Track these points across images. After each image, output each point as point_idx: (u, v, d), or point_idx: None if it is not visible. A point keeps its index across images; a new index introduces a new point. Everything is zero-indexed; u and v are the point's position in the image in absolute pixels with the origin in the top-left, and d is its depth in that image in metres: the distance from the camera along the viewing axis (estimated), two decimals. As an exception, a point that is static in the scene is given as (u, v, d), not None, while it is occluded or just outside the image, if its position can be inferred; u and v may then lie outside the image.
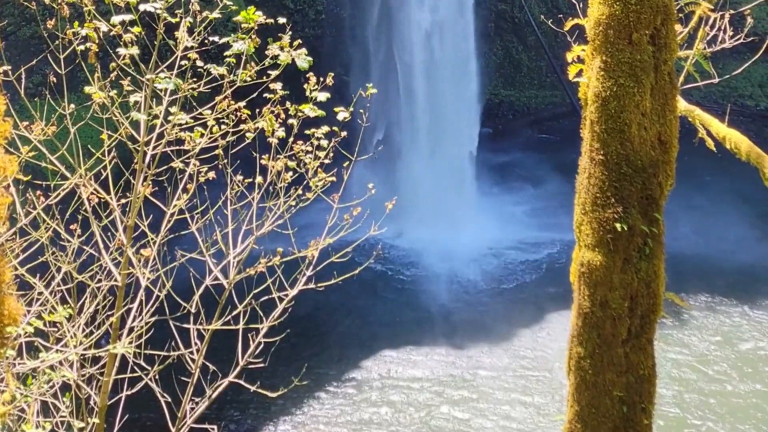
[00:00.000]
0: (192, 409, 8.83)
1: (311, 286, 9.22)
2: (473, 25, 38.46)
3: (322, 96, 8.67)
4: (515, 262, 34.03)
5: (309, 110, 8.68)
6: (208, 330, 8.79)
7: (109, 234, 8.71)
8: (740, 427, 24.11)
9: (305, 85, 8.69)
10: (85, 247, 8.87)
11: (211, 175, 9.10)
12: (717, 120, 8.40)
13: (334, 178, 9.29)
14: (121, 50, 8.05)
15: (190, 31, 8.40)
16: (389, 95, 36.25)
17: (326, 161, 9.18)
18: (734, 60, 32.05)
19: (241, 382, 9.13)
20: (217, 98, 8.62)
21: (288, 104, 8.76)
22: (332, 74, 8.95)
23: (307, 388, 24.36)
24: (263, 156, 9.17)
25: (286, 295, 9.07)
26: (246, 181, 9.28)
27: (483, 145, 39.38)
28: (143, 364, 8.72)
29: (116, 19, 7.87)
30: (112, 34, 7.99)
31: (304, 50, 8.49)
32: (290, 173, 9.14)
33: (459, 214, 35.86)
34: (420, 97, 37.70)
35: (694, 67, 8.59)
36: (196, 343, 8.84)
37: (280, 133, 8.96)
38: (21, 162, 7.50)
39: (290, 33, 8.47)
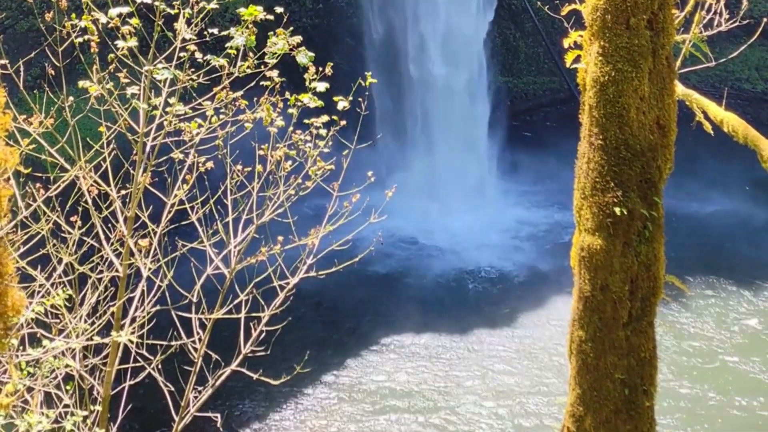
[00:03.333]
0: (195, 397, 8.88)
1: (312, 274, 9.25)
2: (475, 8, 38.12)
3: (321, 86, 8.68)
4: (518, 246, 34.06)
5: (308, 100, 8.70)
6: (210, 319, 8.83)
7: (109, 225, 8.74)
8: (742, 410, 24.18)
9: (305, 75, 8.70)
10: (86, 239, 8.90)
11: (210, 165, 9.12)
12: (714, 103, 8.42)
13: (333, 167, 9.31)
14: (120, 43, 8.06)
15: (188, 22, 8.41)
16: (390, 86, 35.99)
17: (326, 150, 9.20)
18: (730, 44, 31.99)
19: (244, 370, 9.18)
20: (216, 89, 8.64)
21: (287, 94, 8.77)
22: (331, 64, 8.95)
23: (310, 375, 24.35)
24: (262, 147, 9.19)
25: (288, 284, 9.10)
26: (246, 170, 9.30)
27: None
28: (146, 353, 8.76)
29: (114, 11, 7.88)
30: (110, 26, 8.00)
31: (298, 40, 8.50)
32: (290, 162, 9.16)
33: (472, 198, 35.71)
34: (423, 86, 37.33)
35: (692, 48, 8.60)
36: (198, 332, 8.88)
37: (279, 122, 8.98)
38: (21, 155, 7.51)
39: (291, 29, 8.49)
